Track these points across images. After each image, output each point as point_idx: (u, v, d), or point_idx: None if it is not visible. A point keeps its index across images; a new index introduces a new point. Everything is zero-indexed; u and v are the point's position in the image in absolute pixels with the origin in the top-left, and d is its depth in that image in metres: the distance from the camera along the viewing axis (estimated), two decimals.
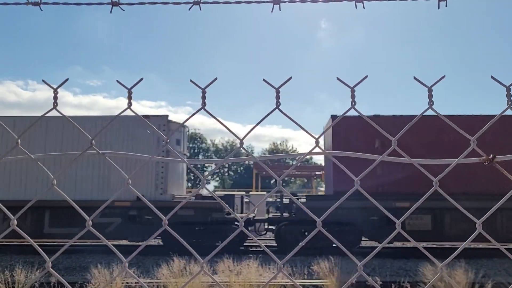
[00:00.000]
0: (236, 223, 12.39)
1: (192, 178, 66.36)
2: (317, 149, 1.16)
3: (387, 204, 10.00)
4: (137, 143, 12.32)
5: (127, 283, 6.99)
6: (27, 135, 11.47)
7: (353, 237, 11.85)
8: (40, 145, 12.29)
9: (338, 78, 1.13)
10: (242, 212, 14.79)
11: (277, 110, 1.14)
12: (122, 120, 12.16)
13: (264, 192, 26.74)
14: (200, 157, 69.32)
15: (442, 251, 12.61)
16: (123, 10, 1.17)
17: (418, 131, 11.25)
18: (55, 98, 1.10)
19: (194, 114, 1.17)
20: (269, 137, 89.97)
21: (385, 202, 9.95)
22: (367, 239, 13.24)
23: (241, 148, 1.14)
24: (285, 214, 13.11)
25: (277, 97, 1.12)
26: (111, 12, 1.17)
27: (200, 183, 1.23)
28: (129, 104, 1.12)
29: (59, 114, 1.19)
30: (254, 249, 12.84)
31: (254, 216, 13.14)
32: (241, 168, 64.60)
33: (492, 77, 1.12)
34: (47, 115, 1.16)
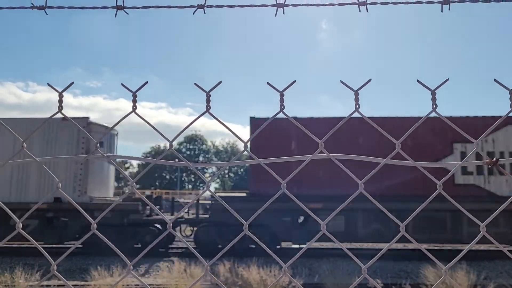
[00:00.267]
0: (157, 225, 12.52)
1: (193, 179, 66.44)
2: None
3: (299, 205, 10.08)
4: (58, 146, 12.32)
5: (127, 285, 6.99)
6: None
7: (268, 238, 11.93)
8: None
9: (342, 82, 1.14)
10: (172, 214, 14.87)
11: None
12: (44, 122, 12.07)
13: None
14: (201, 159, 69.36)
15: (441, 252, 12.61)
16: (128, 14, 1.17)
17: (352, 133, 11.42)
18: (60, 101, 1.10)
19: (198, 117, 1.17)
20: None
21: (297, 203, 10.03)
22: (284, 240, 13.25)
23: (246, 151, 1.14)
24: (205, 216, 13.24)
25: (281, 100, 1.13)
26: (115, 16, 1.18)
27: (204, 186, 1.23)
28: (134, 108, 1.12)
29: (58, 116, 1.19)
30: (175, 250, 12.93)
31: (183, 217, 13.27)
32: (242, 170, 64.59)
33: (495, 80, 1.12)
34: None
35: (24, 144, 1.11)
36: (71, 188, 12.30)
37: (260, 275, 7.20)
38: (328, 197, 10.76)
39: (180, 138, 66.09)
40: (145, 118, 1.18)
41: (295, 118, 12.08)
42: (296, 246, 13.55)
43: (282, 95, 1.13)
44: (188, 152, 68.68)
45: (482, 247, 12.78)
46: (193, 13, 1.18)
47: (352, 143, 11.68)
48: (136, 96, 1.12)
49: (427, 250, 1.21)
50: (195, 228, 12.69)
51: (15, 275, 7.15)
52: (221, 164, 1.18)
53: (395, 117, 12.37)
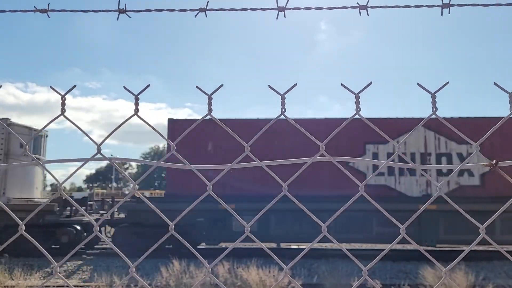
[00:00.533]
0: (76, 226, 12.47)
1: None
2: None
3: (214, 206, 10.19)
4: None
5: (127, 286, 6.99)
6: None
7: (185, 238, 12.07)
8: None
9: (342, 85, 1.15)
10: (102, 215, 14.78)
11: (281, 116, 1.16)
12: None
13: None
14: None
15: (440, 253, 12.62)
16: (130, 17, 1.18)
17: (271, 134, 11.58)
18: (63, 104, 1.11)
19: (201, 120, 1.18)
20: None
21: (212, 203, 10.11)
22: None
23: (247, 154, 1.15)
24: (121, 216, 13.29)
25: (282, 103, 1.14)
26: (117, 19, 1.18)
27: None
28: (136, 110, 1.13)
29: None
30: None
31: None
32: None
33: (495, 83, 1.13)
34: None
35: (27, 147, 1.12)
36: None
37: (259, 276, 7.21)
38: (239, 197, 11.05)
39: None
40: (145, 119, 1.18)
41: (223, 119, 12.35)
42: (295, 246, 13.56)
43: (283, 98, 1.13)
44: None
45: (481, 247, 12.81)
46: (195, 16, 1.19)
47: (270, 144, 11.76)
48: (139, 99, 1.13)
49: (425, 250, 1.22)
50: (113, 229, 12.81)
51: (14, 275, 7.15)
52: (222, 166, 1.19)
53: (319, 119, 12.62)
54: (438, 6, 1.16)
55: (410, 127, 11.73)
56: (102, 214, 14.80)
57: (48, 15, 1.17)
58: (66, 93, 1.12)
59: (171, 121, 12.76)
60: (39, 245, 1.22)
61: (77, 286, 7.60)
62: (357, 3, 1.17)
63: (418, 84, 1.14)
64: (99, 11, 1.18)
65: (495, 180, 11.62)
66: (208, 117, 1.15)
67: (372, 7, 1.17)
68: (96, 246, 13.37)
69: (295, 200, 1.17)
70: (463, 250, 1.17)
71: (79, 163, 1.18)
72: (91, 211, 15.31)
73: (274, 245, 13.59)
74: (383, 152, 12.32)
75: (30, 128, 13.14)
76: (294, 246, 13.68)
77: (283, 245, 13.78)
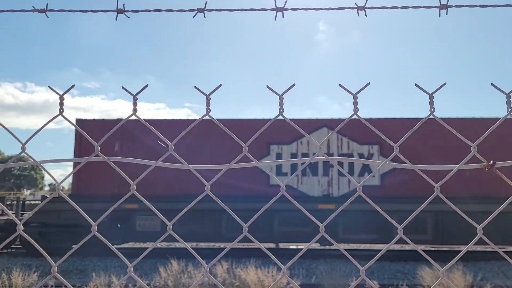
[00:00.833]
0: None
1: None
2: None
3: (118, 206, 10.34)
4: None
5: (125, 286, 6.98)
6: None
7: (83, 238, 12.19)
8: None
9: (340, 85, 1.15)
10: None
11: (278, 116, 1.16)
12: None
13: None
14: None
15: (439, 253, 12.64)
16: (128, 17, 1.18)
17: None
18: (61, 104, 1.11)
19: (199, 120, 1.18)
20: None
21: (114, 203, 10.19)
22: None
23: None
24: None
25: (281, 104, 1.14)
26: (116, 19, 1.18)
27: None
28: (135, 110, 1.13)
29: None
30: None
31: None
32: None
33: (492, 84, 1.13)
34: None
35: (25, 146, 1.12)
36: None
37: (258, 276, 7.21)
38: (146, 197, 11.13)
39: None
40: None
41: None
42: (294, 247, 13.57)
43: (281, 98, 1.14)
44: None
45: (479, 248, 12.83)
46: (193, 17, 1.19)
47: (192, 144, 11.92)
48: (137, 99, 1.13)
49: (423, 251, 1.22)
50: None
51: (13, 275, 7.13)
52: (221, 166, 1.19)
53: (244, 119, 12.77)
54: (436, 7, 1.16)
55: (314, 128, 12.13)
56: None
57: (46, 15, 1.17)
58: (64, 93, 1.12)
59: (79, 121, 12.73)
60: (37, 244, 1.22)
61: (74, 285, 7.59)
62: (355, 3, 1.17)
63: (416, 85, 1.14)
64: (98, 11, 1.18)
65: (394, 181, 11.82)
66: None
67: (370, 8, 1.17)
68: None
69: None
70: (461, 251, 1.18)
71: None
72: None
73: (272, 245, 13.60)
74: (286, 153, 12.48)
75: None
76: (292, 246, 13.69)
77: (281, 245, 13.79)
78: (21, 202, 14.30)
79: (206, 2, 1.17)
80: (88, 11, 1.19)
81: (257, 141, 12.18)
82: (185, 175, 10.87)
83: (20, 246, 13.02)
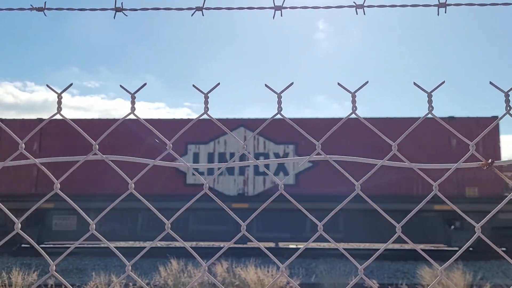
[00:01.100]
0: None
1: None
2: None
3: (32, 205, 10.52)
4: None
5: (125, 285, 6.99)
6: None
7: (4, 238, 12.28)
8: None
9: (339, 84, 1.15)
10: None
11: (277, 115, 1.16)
12: None
13: None
14: None
15: (438, 253, 12.65)
16: (127, 16, 1.18)
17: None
18: (59, 103, 1.11)
19: (197, 119, 1.18)
20: None
21: (33, 203, 10.45)
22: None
23: (244, 153, 1.15)
24: None
25: (279, 102, 1.14)
26: (114, 17, 1.18)
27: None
28: (133, 109, 1.13)
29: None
30: None
31: None
32: None
33: (491, 82, 1.13)
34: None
35: (23, 145, 1.12)
36: None
37: (258, 275, 7.21)
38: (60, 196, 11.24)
39: None
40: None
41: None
42: (293, 246, 13.58)
43: (279, 97, 1.13)
44: None
45: (471, 248, 12.82)
46: (192, 15, 1.18)
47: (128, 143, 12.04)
48: (135, 97, 1.13)
49: (423, 250, 1.22)
50: None
51: (13, 274, 7.13)
52: (220, 165, 1.19)
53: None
54: (435, 5, 1.16)
55: (232, 127, 12.30)
56: None
57: (44, 14, 1.17)
58: (62, 91, 1.12)
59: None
60: (35, 244, 1.22)
61: (73, 285, 7.59)
62: (354, 2, 1.17)
63: (414, 83, 1.14)
64: (96, 9, 1.18)
65: (308, 180, 11.92)
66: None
67: (368, 6, 1.17)
68: (95, 245, 13.37)
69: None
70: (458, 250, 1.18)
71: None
72: None
73: (272, 244, 13.61)
74: (204, 152, 12.61)
75: None
76: (292, 245, 13.70)
77: (281, 244, 13.79)
78: None
79: (205, 0, 1.17)
80: (86, 9, 1.19)
81: (176, 140, 12.31)
82: (104, 173, 11.04)
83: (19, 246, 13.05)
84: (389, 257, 11.56)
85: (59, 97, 1.12)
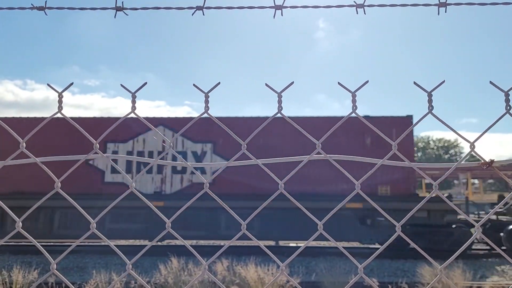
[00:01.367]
0: None
1: None
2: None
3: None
4: None
5: (126, 283, 7.00)
6: None
7: None
8: None
9: (339, 83, 1.15)
10: None
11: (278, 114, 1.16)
12: None
13: None
14: None
15: (438, 252, 12.65)
16: (127, 15, 1.18)
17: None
18: (60, 102, 1.11)
19: (197, 118, 1.18)
20: None
21: None
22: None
23: (244, 152, 1.16)
24: None
25: (279, 102, 1.14)
26: (115, 17, 1.18)
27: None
28: (133, 108, 1.13)
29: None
30: None
31: None
32: None
33: (491, 82, 1.13)
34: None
35: (24, 144, 1.12)
36: None
37: (258, 274, 7.21)
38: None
39: None
40: (144, 117, 1.19)
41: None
42: (294, 244, 13.60)
43: (280, 96, 1.14)
44: None
45: (479, 246, 12.84)
46: (192, 14, 1.19)
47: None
48: (136, 96, 1.13)
49: (424, 250, 1.23)
50: None
51: (13, 273, 7.14)
52: (220, 164, 1.19)
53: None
54: (435, 5, 1.16)
55: (149, 127, 12.21)
56: None
57: (45, 13, 1.17)
58: (63, 91, 1.12)
59: None
60: (35, 242, 1.22)
61: (74, 283, 7.60)
62: (354, 1, 1.17)
63: (415, 83, 1.14)
64: (96, 8, 1.18)
65: (224, 179, 11.98)
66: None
67: (369, 5, 1.17)
68: (96, 244, 13.39)
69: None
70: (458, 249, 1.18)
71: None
72: None
73: (272, 243, 13.62)
74: (122, 151, 12.70)
75: None
76: (292, 244, 13.72)
77: (281, 243, 13.81)
78: None
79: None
80: (86, 8, 1.19)
81: (95, 138, 12.41)
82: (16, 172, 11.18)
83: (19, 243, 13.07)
84: (389, 255, 11.57)
85: (60, 96, 1.12)
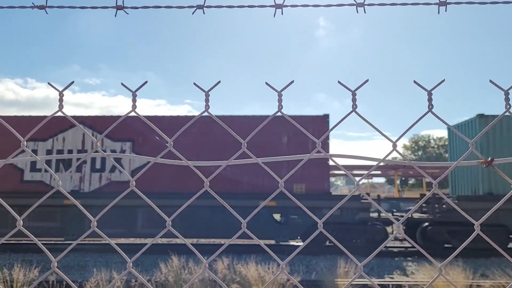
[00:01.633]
0: None
1: None
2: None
3: None
4: None
5: (127, 282, 7.01)
6: None
7: None
8: None
9: (339, 82, 1.15)
10: None
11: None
12: None
13: None
14: None
15: (439, 251, 12.65)
16: (128, 13, 1.18)
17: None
18: (61, 100, 1.11)
19: (198, 116, 1.18)
20: None
21: None
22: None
23: (244, 150, 1.16)
24: None
25: (279, 100, 1.14)
26: (115, 16, 1.19)
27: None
28: (134, 107, 1.14)
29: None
30: None
31: None
32: None
33: (490, 81, 1.13)
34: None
35: (25, 142, 1.12)
36: None
37: (258, 272, 7.22)
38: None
39: None
40: (144, 116, 1.19)
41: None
42: (294, 243, 13.61)
43: (280, 95, 1.14)
44: None
45: (479, 244, 12.80)
46: (193, 13, 1.19)
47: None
48: (136, 95, 1.13)
49: (424, 248, 1.23)
50: None
51: (14, 271, 7.16)
52: (220, 162, 1.20)
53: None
54: (435, 4, 1.16)
55: (70, 125, 12.32)
56: None
57: (46, 12, 1.18)
58: (64, 89, 1.12)
59: None
60: (37, 240, 1.23)
61: (75, 281, 7.62)
62: (354, 0, 1.17)
63: (415, 82, 1.14)
64: (97, 7, 1.18)
65: (143, 176, 12.11)
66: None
67: (369, 4, 1.17)
68: (96, 242, 13.41)
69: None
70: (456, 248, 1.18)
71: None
72: None
73: (272, 241, 13.64)
74: (42, 149, 12.69)
75: None
76: (293, 242, 13.73)
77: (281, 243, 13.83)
78: None
79: None
80: (87, 7, 1.19)
81: (14, 137, 12.51)
82: None
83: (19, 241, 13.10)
84: (390, 254, 11.58)
85: (61, 94, 1.12)
